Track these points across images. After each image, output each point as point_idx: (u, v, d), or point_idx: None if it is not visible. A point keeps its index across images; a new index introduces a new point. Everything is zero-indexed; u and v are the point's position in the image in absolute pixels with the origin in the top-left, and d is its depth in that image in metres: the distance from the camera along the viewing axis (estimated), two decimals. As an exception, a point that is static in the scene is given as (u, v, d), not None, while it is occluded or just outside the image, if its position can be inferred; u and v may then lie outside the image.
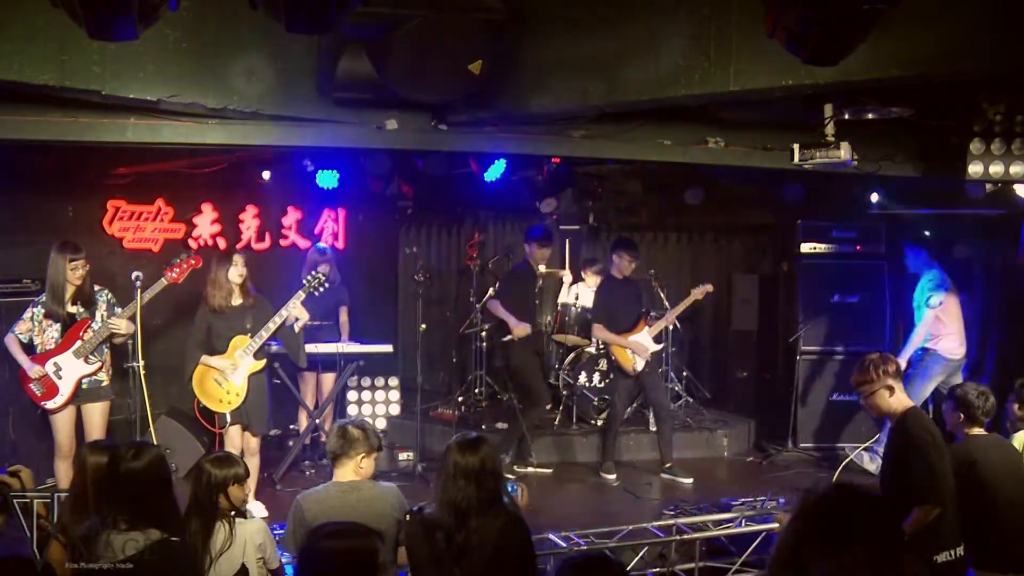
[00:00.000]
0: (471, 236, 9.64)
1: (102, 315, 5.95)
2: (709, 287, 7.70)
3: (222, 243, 8.32)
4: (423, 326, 7.56)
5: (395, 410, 8.93)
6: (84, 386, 5.89)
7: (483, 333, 8.52)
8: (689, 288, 7.84)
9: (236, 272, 6.00)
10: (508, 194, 8.83)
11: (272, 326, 5.98)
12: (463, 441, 3.56)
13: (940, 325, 7.25)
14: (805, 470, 7.66)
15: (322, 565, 2.82)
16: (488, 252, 9.61)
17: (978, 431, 4.47)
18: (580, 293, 8.68)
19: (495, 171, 8.00)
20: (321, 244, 8.15)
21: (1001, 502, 4.20)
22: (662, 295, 8.52)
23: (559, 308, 8.65)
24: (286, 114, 5.41)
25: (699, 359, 9.96)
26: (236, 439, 6.03)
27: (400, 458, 7.62)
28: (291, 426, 8.03)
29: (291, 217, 8.82)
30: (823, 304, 8.41)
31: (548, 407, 7.95)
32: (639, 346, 7.41)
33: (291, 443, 7.47)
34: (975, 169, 5.80)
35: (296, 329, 6.19)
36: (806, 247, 8.54)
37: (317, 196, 8.48)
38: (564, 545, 5.35)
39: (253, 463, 5.99)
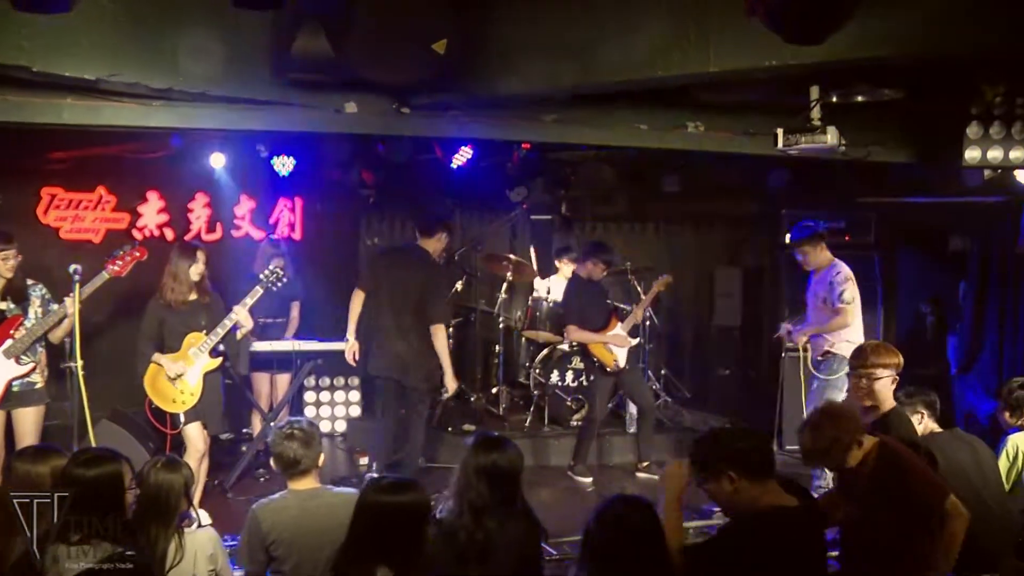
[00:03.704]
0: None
1: (36, 312, 5.84)
2: (668, 278, 7.75)
3: (169, 234, 8.24)
4: None
5: (356, 411, 8.92)
6: (15, 389, 5.76)
7: (450, 329, 8.42)
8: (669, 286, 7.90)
9: (197, 270, 5.93)
10: (476, 182, 8.85)
11: (228, 322, 5.95)
12: (483, 440, 3.67)
13: (848, 327, 6.76)
14: (791, 473, 7.64)
15: (382, 517, 3.19)
16: (455, 243, 9.22)
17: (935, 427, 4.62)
18: (552, 286, 8.71)
19: (462, 158, 7.97)
20: (275, 237, 8.08)
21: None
22: (639, 288, 8.54)
23: (529, 303, 8.69)
24: (237, 96, 5.35)
25: (679, 356, 10.05)
26: (198, 439, 5.94)
27: (361, 463, 7.59)
28: (244, 430, 7.97)
29: (244, 206, 8.74)
30: (803, 296, 8.32)
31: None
32: (620, 339, 7.46)
33: (243, 448, 7.40)
34: (972, 154, 5.80)
35: (238, 336, 6.14)
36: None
37: (272, 184, 8.43)
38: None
39: (203, 466, 5.96)
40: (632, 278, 8.68)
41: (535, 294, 8.78)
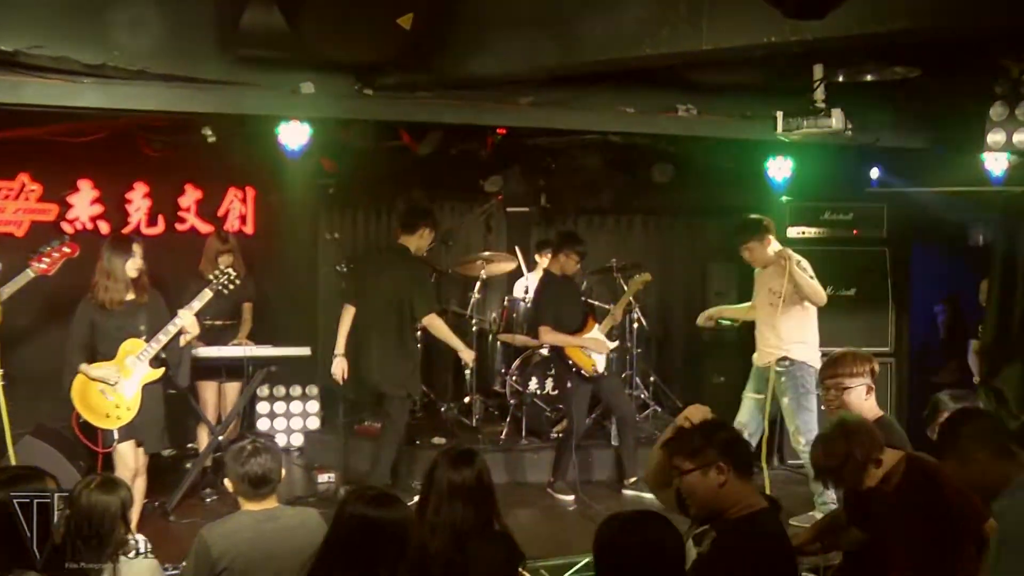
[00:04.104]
0: None
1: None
2: (646, 276, 7.79)
3: (104, 227, 8.16)
4: None
5: (314, 424, 8.91)
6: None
7: (417, 332, 8.42)
8: (656, 279, 7.97)
9: (134, 265, 5.86)
10: (446, 171, 8.87)
11: (172, 328, 5.88)
12: (454, 454, 3.65)
13: (809, 327, 6.83)
14: (792, 490, 7.68)
15: (363, 533, 3.14)
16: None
17: None
18: (531, 285, 8.71)
19: (431, 144, 7.93)
20: (224, 231, 8.04)
21: None
22: (625, 287, 8.50)
23: (505, 304, 8.71)
24: (179, 74, 5.31)
25: (670, 362, 10.05)
26: (130, 459, 5.87)
27: (320, 480, 7.56)
28: (188, 445, 7.92)
29: (189, 197, 8.70)
30: None
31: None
32: (597, 343, 7.47)
33: (188, 465, 7.34)
34: (995, 138, 5.83)
35: (181, 343, 6.06)
36: (793, 231, 8.55)
37: (221, 172, 8.39)
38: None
39: (139, 485, 5.88)
40: (618, 276, 8.68)
41: (512, 294, 8.80)
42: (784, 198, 8.51)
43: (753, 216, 7.08)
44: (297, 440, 8.90)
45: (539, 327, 7.53)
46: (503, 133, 8.10)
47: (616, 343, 7.96)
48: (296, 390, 8.87)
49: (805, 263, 6.71)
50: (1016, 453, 3.36)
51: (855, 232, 8.56)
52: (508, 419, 8.44)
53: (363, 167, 8.75)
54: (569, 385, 7.59)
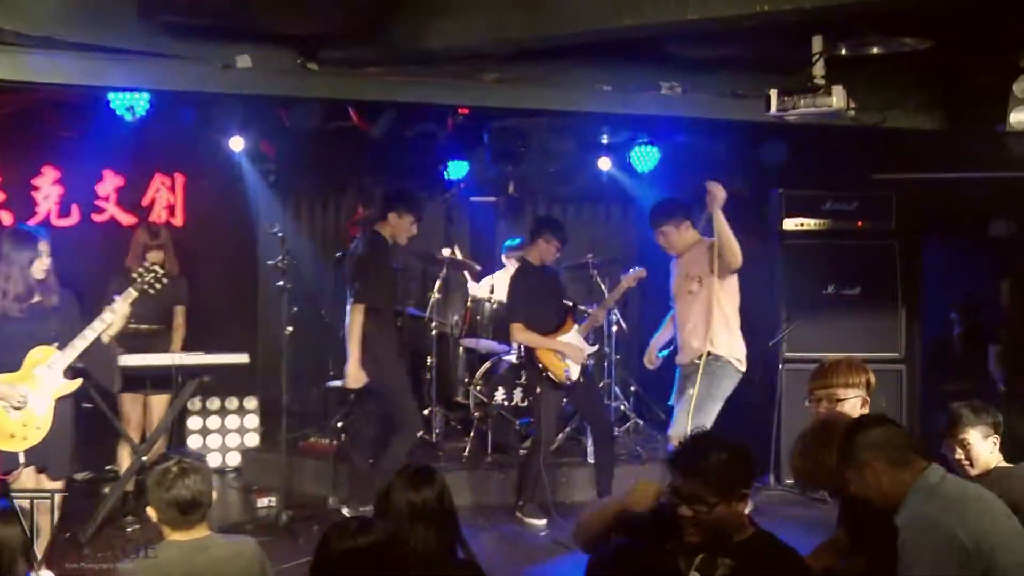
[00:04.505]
0: (353, 211, 9.62)
1: None
2: (642, 272, 7.70)
3: (7, 217, 8.12)
4: (289, 329, 7.44)
5: (252, 440, 8.95)
6: None
7: (399, 322, 8.47)
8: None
9: (41, 266, 5.73)
10: (402, 156, 8.90)
11: (91, 333, 5.74)
12: (412, 474, 3.66)
13: (733, 319, 6.82)
14: (791, 514, 7.65)
15: (355, 569, 3.16)
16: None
17: None
18: (497, 283, 8.72)
19: (384, 126, 7.90)
20: (152, 222, 7.98)
21: None
22: (602, 285, 8.53)
23: (469, 304, 8.65)
24: (92, 42, 5.25)
25: (652, 370, 9.92)
26: (32, 487, 5.68)
27: (259, 504, 7.53)
28: (107, 467, 7.86)
29: (109, 184, 8.68)
30: (813, 298, 8.49)
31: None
32: (572, 348, 7.42)
33: (106, 490, 7.26)
34: (1019, 117, 5.81)
35: (105, 340, 5.93)
36: (790, 223, 8.59)
37: (145, 156, 8.38)
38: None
39: (46, 519, 5.65)
40: (595, 273, 8.67)
41: (476, 293, 8.79)
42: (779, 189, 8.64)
43: (669, 197, 7.15)
44: (233, 459, 8.86)
45: (511, 324, 7.52)
46: (465, 113, 8.10)
47: (596, 346, 7.94)
48: (232, 403, 8.85)
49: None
50: (913, 461, 3.52)
51: (859, 224, 8.58)
52: (472, 434, 8.44)
53: (308, 152, 8.76)
54: (539, 391, 7.57)
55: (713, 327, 6.63)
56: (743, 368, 6.77)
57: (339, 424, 8.55)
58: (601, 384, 8.73)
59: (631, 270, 7.77)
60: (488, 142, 9.03)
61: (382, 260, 7.19)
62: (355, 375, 6.99)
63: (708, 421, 6.49)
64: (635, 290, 7.92)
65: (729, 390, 6.70)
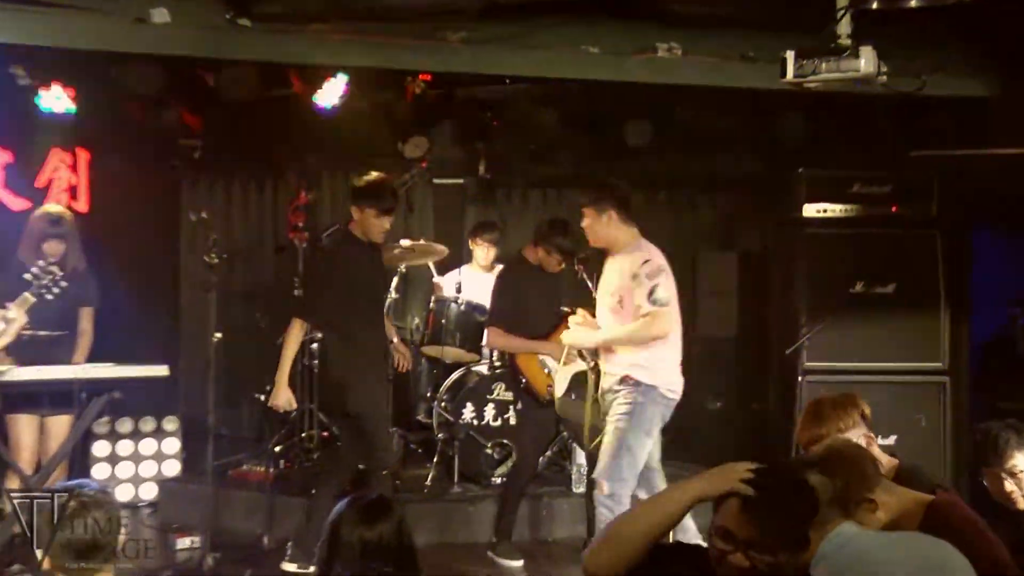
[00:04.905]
0: (295, 195, 9.41)
1: None
2: None
3: None
4: (218, 335, 7.39)
5: (172, 469, 8.79)
6: None
7: (314, 345, 8.46)
8: None
9: None
10: (352, 130, 8.83)
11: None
12: (363, 506, 3.63)
13: (660, 341, 6.42)
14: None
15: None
16: (322, 218, 9.53)
17: None
18: (465, 280, 8.63)
19: (332, 93, 7.94)
20: (52, 207, 7.72)
21: None
22: (590, 284, 8.09)
23: (432, 306, 8.64)
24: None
25: None
26: None
27: (179, 546, 7.44)
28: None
29: (-5, 159, 8.70)
30: (839, 297, 8.37)
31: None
32: (559, 350, 7.21)
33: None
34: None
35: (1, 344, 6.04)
36: (811, 209, 8.49)
37: (40, 128, 8.33)
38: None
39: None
40: (580, 269, 8.31)
41: (441, 292, 8.76)
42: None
43: (603, 178, 7.16)
44: (148, 492, 8.72)
45: (487, 327, 7.57)
46: (427, 80, 8.11)
47: (591, 363, 7.55)
48: (148, 424, 8.73)
49: (656, 281, 6.28)
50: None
51: (895, 209, 8.52)
52: (436, 459, 8.38)
53: (239, 124, 8.69)
54: (519, 408, 7.62)
55: (638, 349, 6.34)
56: (675, 396, 6.42)
57: (276, 448, 8.51)
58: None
59: None
60: (454, 114, 9.08)
61: (338, 267, 6.98)
62: (279, 395, 6.92)
63: (635, 464, 6.28)
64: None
65: (659, 423, 6.38)
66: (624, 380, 6.31)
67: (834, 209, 8.48)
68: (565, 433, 7.89)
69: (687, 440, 9.12)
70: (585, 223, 6.63)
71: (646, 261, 6.26)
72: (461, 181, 9.84)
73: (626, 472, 6.23)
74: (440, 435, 8.32)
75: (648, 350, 6.26)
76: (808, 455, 3.64)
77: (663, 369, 6.36)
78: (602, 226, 6.53)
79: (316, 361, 8.40)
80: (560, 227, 7.52)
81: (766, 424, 9.26)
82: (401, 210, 9.29)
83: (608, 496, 6.11)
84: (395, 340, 7.89)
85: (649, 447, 6.35)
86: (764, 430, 9.26)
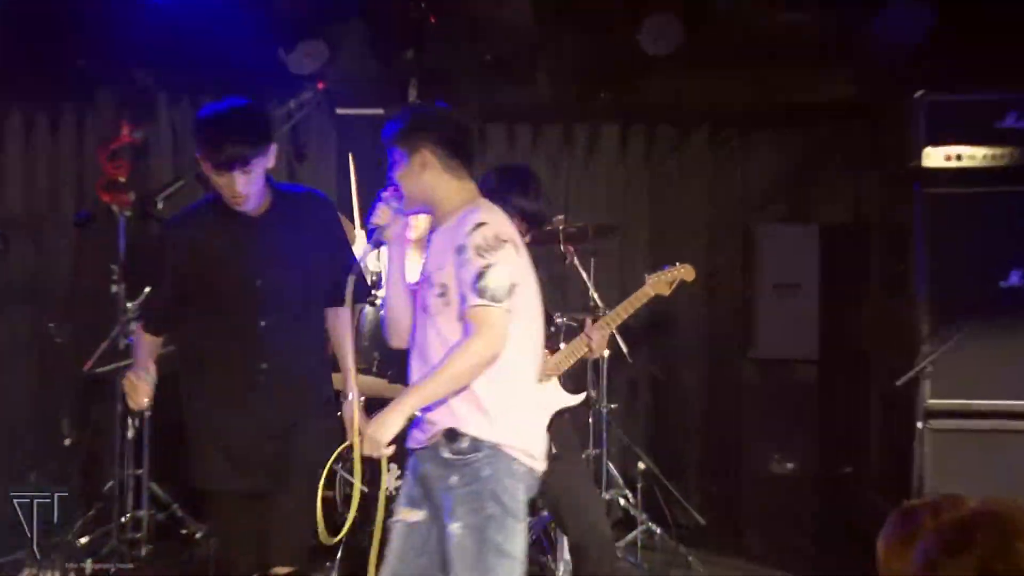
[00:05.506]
0: (114, 132, 9.25)
1: None
2: (688, 271, 7.47)
3: None
4: None
5: None
6: None
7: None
8: (642, 268, 7.88)
9: None
10: (207, 29, 8.81)
11: None
12: None
13: (507, 374, 5.90)
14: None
15: None
16: (158, 170, 9.62)
17: None
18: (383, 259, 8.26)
19: None
20: None
21: None
22: (584, 275, 8.31)
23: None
24: None
25: (675, 431, 10.14)
26: None
27: None
28: None
29: None
30: (981, 295, 8.13)
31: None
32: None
33: None
34: None
35: None
36: (938, 156, 8.11)
37: None
38: None
39: None
40: (568, 249, 8.09)
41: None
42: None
43: (415, 107, 7.59)
44: None
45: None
46: None
47: (584, 396, 7.54)
48: None
49: (489, 259, 5.47)
50: None
51: None
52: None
53: (24, 24, 8.79)
54: None
55: (475, 386, 5.51)
56: (538, 466, 5.64)
57: (82, 542, 8.56)
58: (585, 455, 8.54)
59: (667, 268, 7.51)
60: (369, 6, 9.28)
61: (183, 248, 6.29)
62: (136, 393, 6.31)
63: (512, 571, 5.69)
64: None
65: (524, 503, 5.58)
66: (451, 437, 5.47)
67: (974, 155, 8.12)
68: (545, 513, 7.80)
69: (737, 522, 9.70)
70: (396, 173, 5.83)
71: (479, 225, 5.42)
72: (381, 111, 9.24)
73: None
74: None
75: (493, 396, 5.46)
76: None
77: (522, 423, 5.60)
78: (413, 177, 5.62)
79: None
80: (519, 180, 7.00)
81: (862, 500, 9.20)
82: (285, 156, 9.48)
83: None
84: None
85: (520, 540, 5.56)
86: (859, 508, 9.09)
